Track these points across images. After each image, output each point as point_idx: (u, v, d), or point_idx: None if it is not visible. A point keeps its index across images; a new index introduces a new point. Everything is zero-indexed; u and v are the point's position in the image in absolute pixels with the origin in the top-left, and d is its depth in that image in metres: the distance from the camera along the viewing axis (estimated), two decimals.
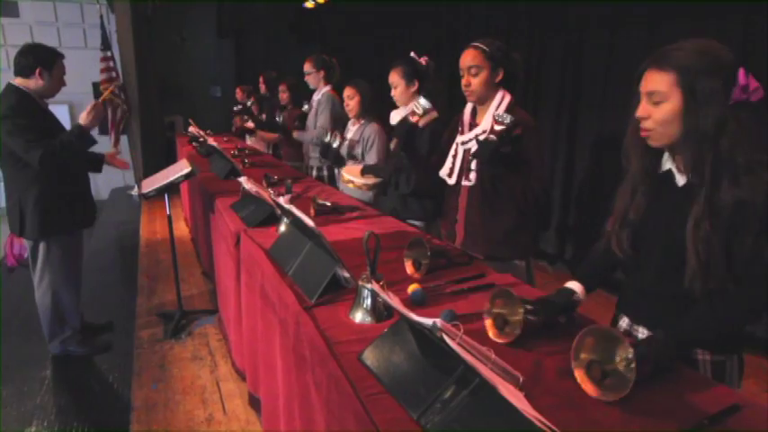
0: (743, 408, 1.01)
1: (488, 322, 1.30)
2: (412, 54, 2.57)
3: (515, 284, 1.65)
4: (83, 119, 2.69)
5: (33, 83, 2.65)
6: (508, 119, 1.74)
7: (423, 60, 2.55)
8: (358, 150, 3.04)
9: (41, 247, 2.75)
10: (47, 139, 2.57)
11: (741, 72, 1.12)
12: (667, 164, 1.29)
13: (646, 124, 1.22)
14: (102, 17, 6.83)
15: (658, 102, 1.18)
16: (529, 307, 1.27)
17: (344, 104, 3.14)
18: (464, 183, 2.07)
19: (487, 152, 1.79)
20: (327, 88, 3.81)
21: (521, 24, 4.43)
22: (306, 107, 4.02)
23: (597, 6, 3.72)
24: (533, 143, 1.91)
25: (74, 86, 3.27)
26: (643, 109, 1.21)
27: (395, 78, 2.58)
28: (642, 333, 1.36)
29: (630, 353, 1.00)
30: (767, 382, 2.70)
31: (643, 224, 1.30)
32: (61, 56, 2.75)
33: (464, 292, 1.57)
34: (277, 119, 4.82)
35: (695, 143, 1.15)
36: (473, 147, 2.01)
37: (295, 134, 3.96)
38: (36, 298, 2.84)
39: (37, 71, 2.63)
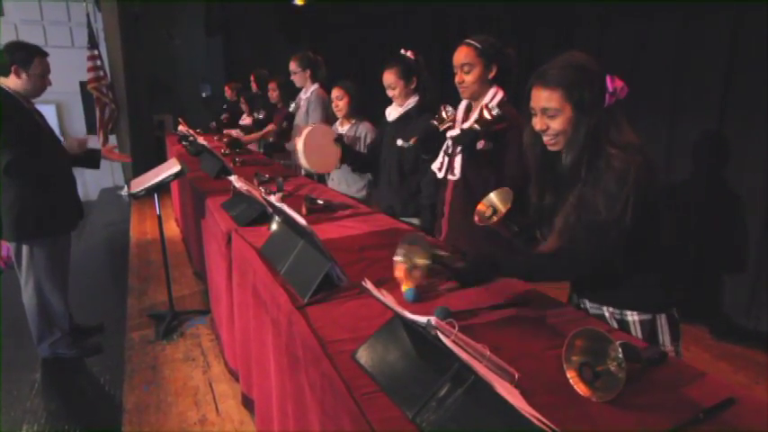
0: (738, 401, 1.01)
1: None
2: (402, 51, 2.56)
3: (509, 281, 1.64)
4: (70, 145, 2.64)
5: (12, 82, 2.59)
6: (495, 110, 1.75)
7: (411, 54, 2.54)
8: (356, 148, 3.02)
9: (24, 250, 2.70)
10: (21, 145, 2.51)
11: (608, 79, 1.30)
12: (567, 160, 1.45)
13: (547, 134, 1.39)
14: (88, 15, 6.75)
15: (553, 116, 1.35)
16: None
17: (333, 105, 3.12)
18: (449, 177, 2.08)
19: (467, 139, 1.80)
20: (315, 86, 3.79)
21: (509, 21, 4.43)
22: (293, 106, 3.99)
23: (586, 3, 3.72)
24: (517, 142, 1.92)
25: (61, 86, 3.22)
26: (541, 123, 1.38)
27: (391, 79, 2.53)
28: (588, 305, 1.52)
29: (620, 352, 0.99)
30: (757, 373, 2.73)
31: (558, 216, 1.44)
32: (41, 53, 2.66)
33: (457, 288, 1.56)
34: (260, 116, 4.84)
35: (579, 145, 1.34)
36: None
37: (287, 145, 3.94)
38: (24, 301, 2.80)
39: (12, 69, 2.56)
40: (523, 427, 0.82)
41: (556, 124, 1.35)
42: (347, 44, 7.15)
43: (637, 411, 0.99)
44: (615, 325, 1.45)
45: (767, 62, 2.73)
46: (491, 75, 1.98)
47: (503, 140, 1.87)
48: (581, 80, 1.31)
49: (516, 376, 0.99)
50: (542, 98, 1.36)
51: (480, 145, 1.95)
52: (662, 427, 0.94)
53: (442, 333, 0.93)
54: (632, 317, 1.43)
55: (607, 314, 1.47)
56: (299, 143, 2.66)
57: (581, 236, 1.34)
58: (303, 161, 2.68)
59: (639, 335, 1.42)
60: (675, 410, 0.99)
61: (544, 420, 0.79)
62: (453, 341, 0.93)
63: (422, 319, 0.97)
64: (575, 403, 1.02)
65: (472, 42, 1.96)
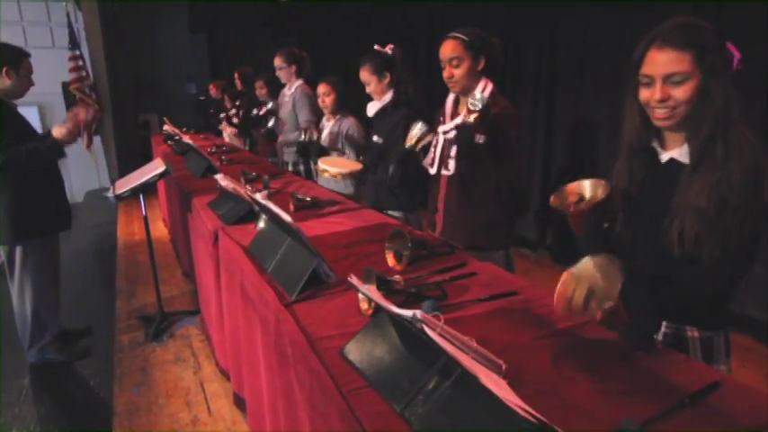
0: (722, 385, 1.02)
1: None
2: (376, 47, 2.56)
3: (497, 273, 1.65)
4: (57, 131, 2.59)
5: (0, 83, 2.57)
6: (479, 104, 1.72)
7: (388, 49, 2.54)
8: (338, 144, 3.03)
9: (18, 252, 2.67)
10: (13, 143, 2.48)
11: (730, 45, 1.14)
12: (653, 142, 1.28)
13: (666, 105, 1.16)
14: (68, 15, 6.63)
15: (679, 82, 1.14)
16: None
17: (320, 101, 3.11)
18: (443, 172, 2.07)
19: (466, 136, 1.79)
20: (300, 82, 3.76)
21: (497, 12, 4.44)
22: (270, 105, 3.96)
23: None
24: (511, 132, 1.92)
25: (43, 87, 3.17)
26: (662, 92, 1.15)
27: (366, 76, 2.57)
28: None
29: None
30: (744, 357, 2.77)
31: (636, 203, 1.30)
32: (27, 54, 2.69)
33: (446, 281, 1.56)
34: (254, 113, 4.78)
35: (709, 119, 1.13)
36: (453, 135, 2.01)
37: (280, 138, 3.90)
38: (14, 306, 2.77)
39: (3, 70, 2.56)
40: (510, 418, 0.82)
41: (680, 93, 1.14)
42: (333, 40, 7.11)
43: (622, 397, 1.00)
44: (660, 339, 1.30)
45: (758, 47, 2.74)
46: (480, 67, 1.97)
47: (499, 131, 1.86)
48: (711, 42, 1.12)
49: (503, 367, 0.99)
50: (666, 61, 1.13)
51: (479, 140, 1.94)
52: (648, 413, 0.94)
53: (428, 326, 0.93)
54: (692, 333, 1.29)
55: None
56: (321, 167, 2.65)
57: (731, 225, 1.11)
58: (332, 173, 2.63)
59: (699, 354, 1.29)
60: (661, 396, 1.00)
61: (529, 410, 0.79)
62: (439, 334, 0.93)
63: (407, 312, 0.97)
64: (561, 391, 1.03)
65: (459, 35, 1.94)
